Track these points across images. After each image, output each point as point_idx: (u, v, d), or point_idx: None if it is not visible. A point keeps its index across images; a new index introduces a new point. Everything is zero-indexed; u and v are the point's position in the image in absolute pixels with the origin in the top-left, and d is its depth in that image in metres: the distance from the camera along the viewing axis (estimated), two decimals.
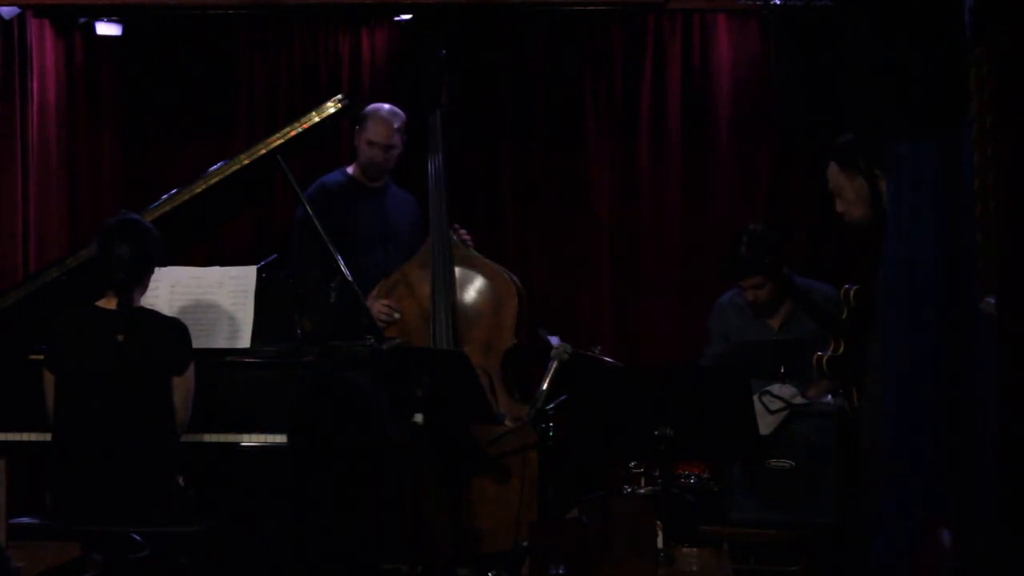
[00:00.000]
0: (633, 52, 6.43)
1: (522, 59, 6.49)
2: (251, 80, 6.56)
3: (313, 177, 5.94)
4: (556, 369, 4.92)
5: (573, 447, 4.99)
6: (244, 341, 5.05)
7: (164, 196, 5.33)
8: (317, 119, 5.41)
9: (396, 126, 5.86)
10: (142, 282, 4.77)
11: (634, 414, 4.38)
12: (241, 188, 5.53)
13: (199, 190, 5.31)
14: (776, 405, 4.87)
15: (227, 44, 6.57)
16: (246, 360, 5.01)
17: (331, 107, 5.43)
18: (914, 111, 3.62)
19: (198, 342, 4.83)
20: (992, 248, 3.42)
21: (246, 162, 5.32)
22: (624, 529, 3.96)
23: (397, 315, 5.67)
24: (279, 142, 5.33)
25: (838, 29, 4.03)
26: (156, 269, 4.85)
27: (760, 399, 4.85)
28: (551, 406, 4.89)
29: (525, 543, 4.30)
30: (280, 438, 4.86)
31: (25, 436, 4.98)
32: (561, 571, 3.79)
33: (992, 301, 3.40)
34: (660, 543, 4.10)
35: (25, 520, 4.77)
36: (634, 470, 5.14)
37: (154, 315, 4.79)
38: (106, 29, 6.44)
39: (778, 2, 5.52)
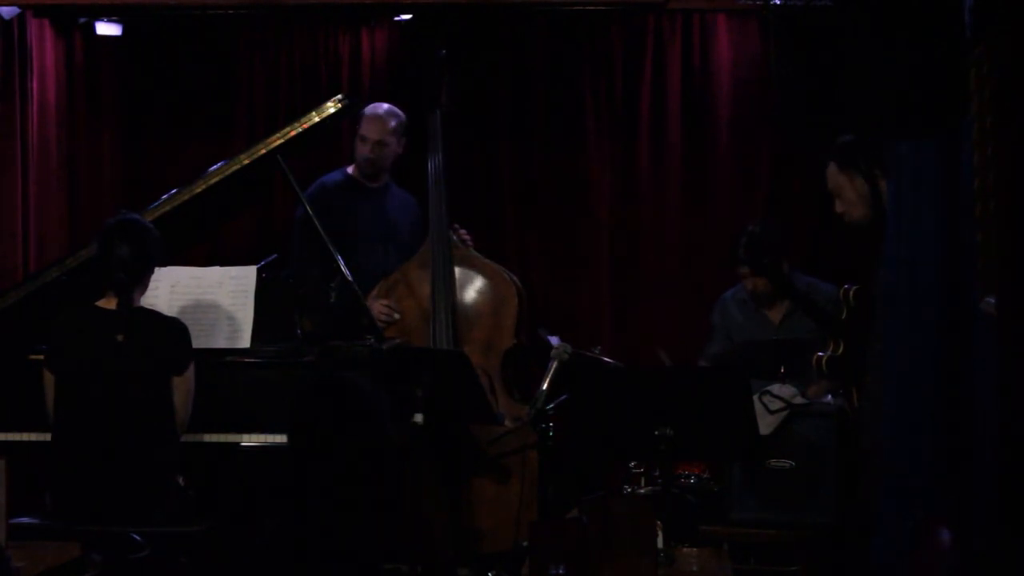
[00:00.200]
0: (633, 52, 6.43)
1: (522, 59, 6.49)
2: (251, 80, 6.56)
3: (313, 177, 5.94)
4: (556, 369, 4.92)
5: (573, 447, 4.99)
6: (244, 341, 5.05)
7: (164, 196, 5.33)
8: (317, 119, 5.41)
9: (390, 124, 5.85)
10: (142, 282, 4.77)
11: (634, 414, 4.38)
12: (241, 188, 5.53)
13: (199, 190, 5.31)
14: (776, 405, 4.87)
15: (227, 44, 6.57)
16: (246, 360, 5.01)
17: (331, 107, 5.43)
18: (914, 111, 3.62)
19: (198, 342, 4.83)
20: (992, 248, 3.42)
21: (246, 162, 5.32)
22: (624, 529, 3.95)
23: (397, 315, 5.67)
24: (279, 142, 5.33)
25: (838, 29, 4.03)
26: (156, 269, 4.85)
27: (760, 399, 4.85)
28: (551, 406, 4.89)
29: (525, 543, 4.30)
30: (280, 438, 4.86)
31: (25, 436, 4.98)
32: (561, 571, 3.79)
33: (992, 301, 3.40)
34: (660, 543, 4.10)
35: (25, 520, 4.77)
36: (634, 470, 5.14)
37: (154, 315, 4.79)
38: (106, 29, 6.44)
39: (778, 2, 5.52)
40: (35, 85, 6.35)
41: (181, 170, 5.99)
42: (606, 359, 5.27)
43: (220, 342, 5.06)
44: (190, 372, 4.69)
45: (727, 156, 6.40)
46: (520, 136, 6.49)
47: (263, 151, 5.32)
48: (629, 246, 6.46)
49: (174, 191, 5.34)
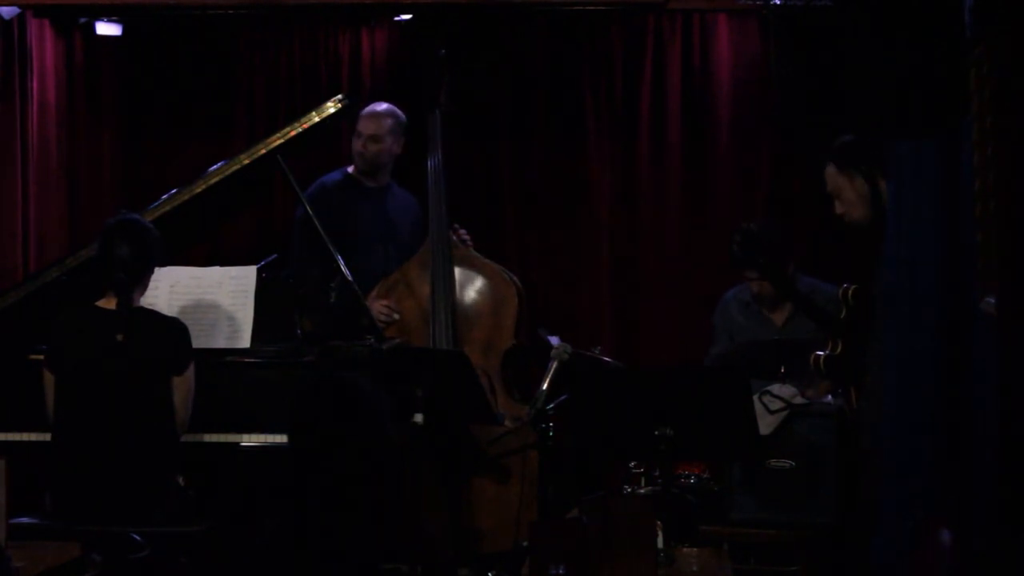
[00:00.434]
0: (633, 52, 6.43)
1: (522, 59, 6.49)
2: (251, 80, 6.56)
3: (313, 177, 5.94)
4: (556, 369, 4.92)
5: (573, 447, 4.99)
6: (244, 341, 5.05)
7: (164, 196, 5.33)
8: (317, 119, 5.41)
9: (385, 121, 5.85)
10: (142, 282, 4.77)
11: (634, 414, 4.37)
12: (241, 188, 5.54)
13: (199, 190, 5.31)
14: (776, 405, 4.86)
15: (227, 44, 6.57)
16: (246, 360, 5.01)
17: (331, 107, 5.44)
18: (914, 111, 3.62)
19: (198, 342, 4.83)
20: (992, 248, 3.42)
21: (246, 162, 5.33)
22: (624, 529, 3.95)
23: (396, 315, 5.67)
24: (279, 142, 5.33)
25: (838, 29, 4.03)
26: (156, 269, 4.85)
27: (760, 399, 4.84)
28: (551, 406, 4.88)
29: (525, 543, 4.30)
30: (280, 438, 4.86)
31: (25, 436, 4.98)
32: (561, 571, 3.79)
33: (992, 301, 3.40)
34: (660, 543, 4.10)
35: (25, 520, 4.77)
36: (634, 470, 5.14)
37: (154, 315, 4.79)
38: (106, 29, 6.44)
39: (778, 2, 5.52)
40: (35, 85, 6.34)
41: (181, 170, 5.99)
42: (606, 359, 5.26)
43: (220, 342, 5.06)
44: (190, 372, 4.69)
45: (727, 156, 6.39)
46: (520, 136, 6.49)
47: (263, 151, 5.33)
48: (629, 246, 6.46)
49: (174, 191, 5.34)
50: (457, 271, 5.70)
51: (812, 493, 4.81)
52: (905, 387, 4.04)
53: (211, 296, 5.13)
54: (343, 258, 5.27)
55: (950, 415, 3.90)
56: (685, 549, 4.37)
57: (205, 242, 6.34)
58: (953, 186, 3.86)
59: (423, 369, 4.68)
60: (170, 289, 5.14)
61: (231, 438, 4.93)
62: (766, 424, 4.79)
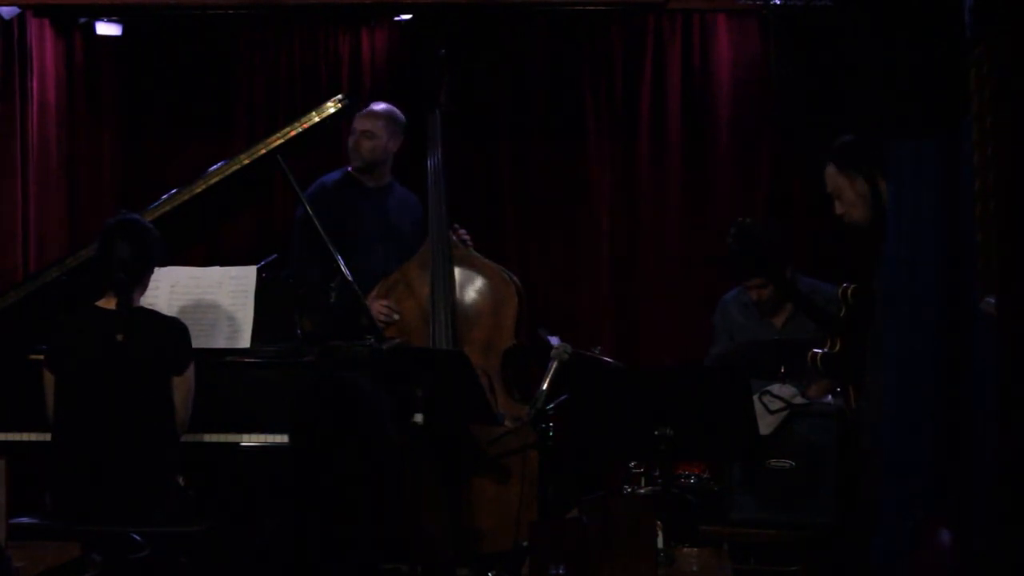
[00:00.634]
0: (633, 52, 6.43)
1: (522, 59, 6.49)
2: (251, 80, 6.56)
3: (313, 177, 5.94)
4: (556, 369, 4.91)
5: (573, 447, 4.99)
6: (244, 341, 5.05)
7: (164, 196, 5.33)
8: (317, 119, 5.41)
9: (379, 118, 5.86)
10: (142, 282, 4.77)
11: (634, 414, 4.37)
12: (241, 188, 5.53)
13: (199, 190, 5.31)
14: (776, 405, 4.87)
15: (227, 44, 6.57)
16: (246, 360, 5.01)
17: (331, 107, 5.44)
18: (914, 111, 3.62)
19: (198, 342, 4.83)
20: (992, 248, 3.42)
21: (246, 162, 5.32)
22: (624, 529, 3.95)
23: (396, 315, 5.67)
24: (279, 142, 5.33)
25: (838, 29, 4.03)
26: (156, 269, 4.85)
27: (760, 399, 4.85)
28: (551, 406, 4.88)
29: (525, 543, 4.30)
30: (280, 438, 4.86)
31: (25, 436, 4.98)
32: (561, 571, 3.79)
33: (992, 301, 3.40)
34: (660, 543, 4.10)
35: (25, 520, 4.77)
36: (634, 470, 5.14)
37: (154, 315, 4.79)
38: (106, 29, 6.44)
39: (778, 2, 5.52)
40: (35, 85, 6.35)
41: (181, 170, 5.99)
42: (606, 359, 5.27)
43: (220, 342, 5.06)
44: (190, 372, 4.69)
45: (727, 156, 6.40)
46: (520, 136, 6.49)
47: (263, 151, 5.32)
48: (629, 246, 6.47)
49: (174, 191, 5.34)
50: (457, 271, 5.70)
51: (812, 493, 4.81)
52: (905, 387, 4.04)
53: (211, 296, 5.12)
54: (343, 258, 5.26)
55: (950, 415, 3.90)
56: (685, 549, 4.37)
57: (205, 242, 6.34)
58: (953, 186, 3.86)
59: (423, 369, 4.68)
60: (170, 289, 5.14)
61: (231, 438, 4.93)
62: (766, 424, 4.79)
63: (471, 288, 5.71)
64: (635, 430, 4.37)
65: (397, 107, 5.95)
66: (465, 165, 6.31)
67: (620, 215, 6.47)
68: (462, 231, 5.84)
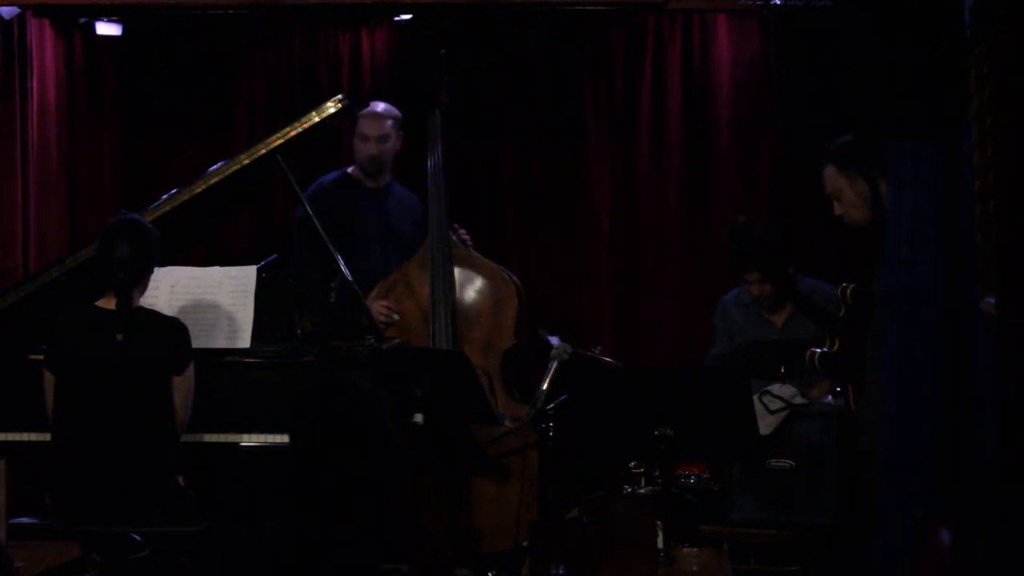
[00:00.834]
0: (633, 52, 6.43)
1: (522, 59, 6.49)
2: (251, 80, 6.56)
3: (313, 177, 5.94)
4: (556, 369, 4.91)
5: (573, 447, 4.99)
6: (244, 341, 5.05)
7: (164, 196, 5.33)
8: (317, 119, 5.41)
9: (389, 119, 5.86)
10: (142, 282, 4.77)
11: (634, 414, 4.37)
12: (241, 188, 5.53)
13: (199, 190, 5.31)
14: (776, 405, 4.87)
15: (227, 44, 6.57)
16: (246, 360, 5.02)
17: (331, 107, 5.44)
18: (914, 111, 3.62)
19: (198, 342, 4.83)
20: (992, 248, 3.42)
21: (246, 162, 5.32)
22: (624, 529, 3.95)
23: (396, 316, 5.67)
24: (279, 142, 5.33)
25: (838, 29, 4.03)
26: (156, 269, 4.85)
27: (760, 399, 4.85)
28: (551, 406, 4.88)
29: (525, 543, 4.30)
30: (280, 438, 4.86)
31: (25, 436, 4.98)
32: (561, 571, 3.79)
33: (992, 301, 3.40)
34: (660, 543, 4.10)
35: (25, 520, 4.77)
36: (634, 470, 5.13)
37: (154, 315, 4.79)
38: (106, 29, 6.44)
39: (778, 2, 5.52)
40: (35, 85, 6.34)
41: (181, 170, 5.99)
42: (606, 359, 5.26)
43: (220, 342, 5.06)
44: (190, 372, 4.69)
45: (727, 156, 6.39)
46: (520, 136, 6.49)
47: (263, 151, 5.32)
48: (629, 246, 6.46)
49: (174, 191, 5.34)
50: (457, 271, 5.70)
51: (812, 493, 4.81)
52: (905, 387, 4.04)
53: (211, 296, 5.13)
54: (343, 258, 5.26)
55: (950, 415, 3.90)
56: (685, 549, 4.37)
57: (205, 242, 6.34)
58: (953, 186, 3.86)
59: (423, 369, 4.68)
60: (170, 289, 5.14)
61: (231, 438, 4.93)
62: (766, 424, 4.79)
63: (471, 288, 5.71)
64: (635, 430, 4.37)
65: (397, 107, 5.95)
66: (465, 165, 6.31)
67: (620, 215, 6.46)
68: (462, 231, 5.84)
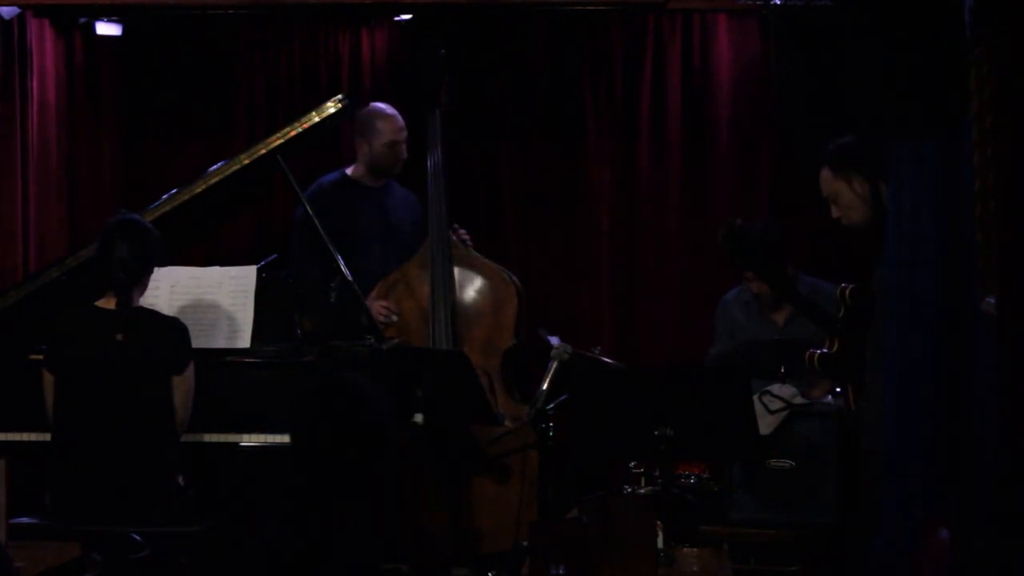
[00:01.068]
0: (633, 52, 6.42)
1: (522, 59, 6.49)
2: (251, 80, 6.56)
3: (313, 177, 5.94)
4: (556, 369, 4.91)
5: (573, 447, 4.99)
6: (244, 341, 5.06)
7: (164, 196, 5.33)
8: (317, 119, 5.41)
9: (402, 120, 5.86)
10: (142, 282, 4.77)
11: (634, 414, 4.37)
12: (241, 188, 5.53)
13: (199, 190, 5.31)
14: (776, 405, 4.87)
15: (227, 44, 6.56)
16: (246, 360, 5.02)
17: (331, 107, 5.44)
18: (914, 111, 3.62)
19: (198, 342, 4.83)
20: (992, 248, 3.42)
21: (246, 162, 5.33)
22: (624, 529, 3.95)
23: (395, 316, 5.67)
24: (279, 142, 5.33)
25: (838, 29, 4.03)
26: (156, 269, 4.85)
27: (760, 399, 4.85)
28: (551, 406, 4.88)
29: (525, 543, 4.29)
30: (280, 438, 4.86)
31: (25, 436, 4.98)
32: (561, 571, 3.79)
33: (992, 301, 3.40)
34: (660, 543, 4.10)
35: (25, 520, 4.77)
36: (634, 470, 5.13)
37: (154, 315, 4.79)
38: (106, 29, 6.44)
39: (778, 2, 5.52)
40: (35, 85, 6.34)
41: (181, 170, 5.99)
42: (606, 359, 5.26)
43: (220, 342, 5.06)
44: (190, 372, 4.69)
45: (727, 156, 6.39)
46: (520, 136, 6.49)
47: (263, 151, 5.33)
48: (629, 246, 6.46)
49: (174, 191, 5.34)
50: (457, 271, 5.70)
51: (812, 493, 4.82)
52: (905, 387, 4.04)
53: (211, 296, 5.13)
54: (343, 258, 5.26)
55: (950, 415, 3.90)
56: (685, 549, 4.37)
57: (205, 242, 6.34)
58: (953, 186, 3.86)
59: (423, 369, 4.68)
60: (170, 289, 5.14)
61: (231, 438, 4.93)
62: (766, 424, 4.79)
63: (471, 288, 5.71)
64: (635, 430, 4.37)
65: (397, 107, 5.95)
66: (465, 165, 6.31)
67: (620, 215, 6.46)
68: (462, 231, 5.84)
